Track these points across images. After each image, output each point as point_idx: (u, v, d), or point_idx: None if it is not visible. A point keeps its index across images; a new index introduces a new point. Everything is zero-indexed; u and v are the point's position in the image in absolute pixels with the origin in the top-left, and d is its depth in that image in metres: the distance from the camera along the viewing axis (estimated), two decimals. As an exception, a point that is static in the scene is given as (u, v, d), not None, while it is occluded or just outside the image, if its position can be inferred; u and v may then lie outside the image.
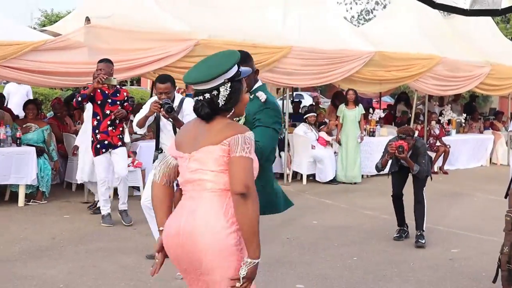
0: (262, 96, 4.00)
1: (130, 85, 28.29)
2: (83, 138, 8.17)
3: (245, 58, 3.70)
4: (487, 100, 25.60)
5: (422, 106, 14.79)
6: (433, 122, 13.88)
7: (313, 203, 9.78)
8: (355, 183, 11.79)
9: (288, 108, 12.61)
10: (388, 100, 23.63)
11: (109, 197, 7.82)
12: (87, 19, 8.84)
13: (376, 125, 13.20)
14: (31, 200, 8.68)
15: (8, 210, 7.96)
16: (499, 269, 5.20)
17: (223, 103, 2.96)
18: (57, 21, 15.22)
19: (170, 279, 5.44)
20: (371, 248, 7.01)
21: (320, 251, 6.78)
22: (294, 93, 20.41)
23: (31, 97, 12.68)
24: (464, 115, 15.73)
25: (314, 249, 6.90)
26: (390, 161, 7.30)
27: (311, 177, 11.91)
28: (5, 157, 7.61)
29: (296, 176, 11.96)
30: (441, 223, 8.18)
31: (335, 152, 11.98)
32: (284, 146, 11.58)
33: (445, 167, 13.78)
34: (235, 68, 2.98)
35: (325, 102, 22.60)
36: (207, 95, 2.94)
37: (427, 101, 14.47)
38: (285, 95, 13.54)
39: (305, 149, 11.68)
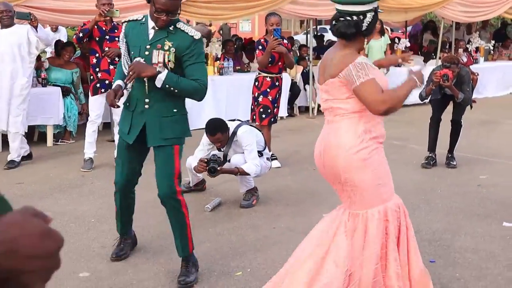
0: (190, 30, 4.01)
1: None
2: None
3: None
4: (517, 26, 24.96)
5: (449, 34, 14.47)
6: (460, 50, 13.60)
7: (340, 135, 9.74)
8: (381, 114, 11.69)
9: (312, 42, 12.42)
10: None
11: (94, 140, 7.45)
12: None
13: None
14: (59, 140, 8.79)
15: (37, 151, 8.06)
16: None
17: (364, 28, 3.27)
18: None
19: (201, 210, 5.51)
20: (398, 177, 6.98)
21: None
22: (318, 26, 20.08)
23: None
24: (493, 42, 15.37)
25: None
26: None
27: (337, 110, 11.82)
28: (31, 98, 7.65)
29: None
30: (469, 151, 8.11)
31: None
32: (309, 79, 11.48)
33: (473, 96, 13.54)
34: (377, 2, 3.33)
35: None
36: (355, 17, 3.25)
37: (454, 29, 14.15)
38: (308, 29, 13.33)
39: (330, 81, 11.54)
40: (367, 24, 3.27)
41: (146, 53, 3.95)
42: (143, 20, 4.04)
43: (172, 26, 3.95)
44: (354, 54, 3.30)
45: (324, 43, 14.99)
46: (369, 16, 3.27)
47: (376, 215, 3.29)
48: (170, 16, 3.86)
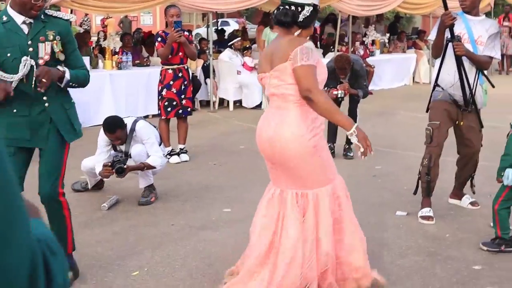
0: (62, 14, 3.94)
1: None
2: None
3: None
4: (410, 20, 25.95)
5: (347, 27, 14.81)
6: (357, 43, 13.95)
7: (241, 129, 9.78)
8: (282, 107, 11.81)
9: (212, 35, 12.39)
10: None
11: None
12: None
13: (301, 48, 13.16)
14: None
15: None
16: (419, 181, 5.37)
17: (301, 20, 3.50)
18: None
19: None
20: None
21: (248, 176, 6.80)
22: (220, 20, 20.06)
23: None
24: (388, 35, 15.87)
25: (242, 174, 6.92)
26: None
27: (238, 103, 11.87)
28: None
29: (222, 102, 11.89)
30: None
31: (261, 77, 11.91)
32: (209, 73, 11.45)
33: (370, 88, 13.91)
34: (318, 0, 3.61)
35: (252, 28, 22.35)
36: (293, 8, 3.49)
37: (350, 22, 14.49)
38: (209, 22, 13.28)
39: (230, 75, 11.57)
40: (304, 17, 3.50)
41: (30, 49, 3.70)
42: (5, 18, 3.71)
43: (43, 15, 3.75)
44: (302, 39, 3.55)
45: (225, 37, 14.99)
46: (307, 9, 3.51)
47: (325, 192, 3.57)
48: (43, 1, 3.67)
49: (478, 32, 5.16)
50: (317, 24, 21.09)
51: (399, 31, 17.20)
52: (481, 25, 5.22)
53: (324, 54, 14.03)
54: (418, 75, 16.05)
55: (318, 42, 14.91)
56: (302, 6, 3.51)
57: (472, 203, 5.64)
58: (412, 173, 6.16)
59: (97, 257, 4.27)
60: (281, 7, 3.54)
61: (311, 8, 3.52)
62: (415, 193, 5.43)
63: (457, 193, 5.73)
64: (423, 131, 5.33)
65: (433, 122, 5.23)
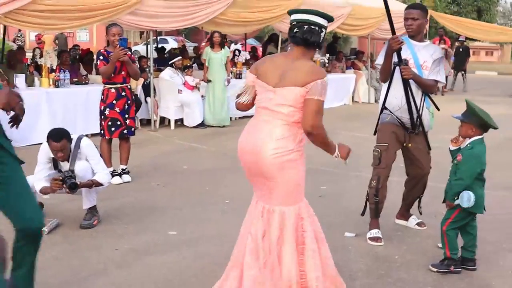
0: None
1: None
2: None
3: None
4: (347, 40, 26.35)
5: (288, 47, 14.89)
6: (298, 63, 14.02)
7: (183, 148, 9.64)
8: (223, 126, 11.75)
9: (152, 53, 12.23)
10: (253, 42, 23.70)
11: None
12: None
13: (243, 67, 13.15)
14: None
15: None
16: (367, 203, 5.36)
17: (321, 40, 3.59)
18: None
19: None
20: (245, 190, 6.98)
21: (192, 196, 6.67)
22: (158, 37, 19.89)
23: None
24: (328, 55, 16.04)
25: (186, 194, 6.77)
26: None
27: (179, 122, 11.74)
28: None
29: (163, 121, 11.72)
30: (310, 162, 8.26)
31: (202, 96, 11.82)
32: (150, 91, 11.28)
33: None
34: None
35: (190, 46, 22.26)
36: (317, 28, 3.55)
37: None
38: (149, 39, 13.11)
39: (171, 93, 11.43)
40: (322, 38, 3.60)
41: None
42: None
43: None
44: (323, 71, 3.58)
45: (165, 55, 14.84)
46: (324, 32, 3.61)
47: (293, 213, 3.58)
48: None
49: (423, 57, 5.23)
50: (258, 44, 21.22)
51: (337, 51, 17.44)
52: (426, 50, 5.29)
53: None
54: (357, 94, 16.28)
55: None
56: (321, 27, 3.57)
57: (418, 224, 5.67)
58: (357, 193, 6.18)
59: (37, 285, 4.04)
60: (306, 26, 3.54)
61: (325, 31, 3.62)
62: (362, 214, 5.43)
63: (404, 214, 5.76)
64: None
65: (381, 144, 5.26)
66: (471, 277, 4.56)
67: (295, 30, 3.57)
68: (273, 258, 3.55)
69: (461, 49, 20.37)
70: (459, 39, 20.77)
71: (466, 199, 4.38)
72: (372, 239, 5.24)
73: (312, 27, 3.54)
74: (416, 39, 5.32)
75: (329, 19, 3.63)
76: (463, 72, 20.47)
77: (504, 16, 65.54)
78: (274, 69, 3.60)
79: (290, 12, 3.66)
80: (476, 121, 4.49)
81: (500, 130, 4.78)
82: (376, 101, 16.53)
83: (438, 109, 5.38)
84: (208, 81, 11.68)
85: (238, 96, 3.82)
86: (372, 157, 5.29)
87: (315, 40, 3.55)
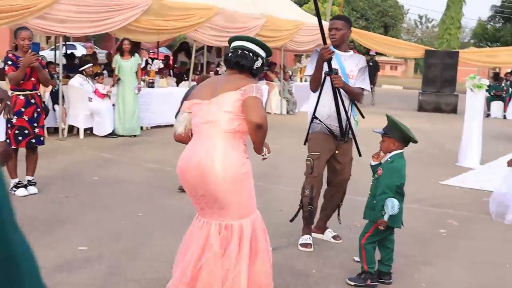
0: None
1: None
2: None
3: None
4: (259, 52, 26.51)
5: (202, 56, 14.79)
6: (212, 73, 13.94)
7: (92, 158, 9.31)
8: (134, 135, 11.48)
9: (61, 59, 11.80)
10: (164, 51, 23.42)
11: None
12: None
13: (156, 76, 12.94)
14: None
15: None
16: (301, 210, 5.38)
17: (254, 68, 3.71)
18: None
19: None
20: (158, 202, 6.81)
21: (103, 209, 6.41)
22: (66, 43, 19.29)
23: None
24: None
25: (97, 207, 6.51)
26: None
27: (89, 131, 11.37)
28: None
29: (72, 130, 11.33)
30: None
31: (113, 105, 11.51)
32: (58, 99, 10.87)
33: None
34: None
35: (100, 53, 21.73)
36: (251, 54, 3.70)
37: (206, 51, 14.48)
38: (57, 44, 12.67)
39: (81, 101, 11.06)
40: (257, 66, 3.72)
41: None
42: None
43: None
44: (255, 81, 3.68)
45: (75, 62, 14.38)
46: (260, 61, 3.74)
47: (249, 222, 3.56)
48: None
49: (349, 67, 5.38)
50: (169, 52, 20.97)
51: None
52: (351, 59, 5.44)
53: (177, 83, 13.88)
54: (269, 106, 16.34)
55: (171, 71, 14.75)
56: (257, 56, 3.71)
57: (334, 237, 5.69)
58: (271, 207, 6.13)
59: None
60: (240, 51, 3.70)
61: (261, 62, 3.74)
62: (291, 220, 5.53)
63: (320, 227, 5.76)
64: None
65: (313, 153, 5.34)
66: (387, 291, 4.59)
67: (229, 55, 3.72)
68: (234, 274, 3.50)
69: (370, 63, 20.88)
70: (370, 53, 21.32)
71: (390, 206, 4.35)
72: (303, 245, 5.37)
73: (246, 52, 3.69)
74: (340, 49, 5.45)
75: (267, 50, 3.79)
76: (372, 85, 21.02)
77: (408, 32, 68.26)
78: (207, 87, 3.73)
79: (230, 41, 3.80)
80: (398, 135, 4.52)
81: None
82: (288, 112, 16.69)
83: (363, 117, 5.51)
84: (118, 79, 11.38)
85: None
86: (305, 166, 5.32)
87: (246, 64, 3.67)
